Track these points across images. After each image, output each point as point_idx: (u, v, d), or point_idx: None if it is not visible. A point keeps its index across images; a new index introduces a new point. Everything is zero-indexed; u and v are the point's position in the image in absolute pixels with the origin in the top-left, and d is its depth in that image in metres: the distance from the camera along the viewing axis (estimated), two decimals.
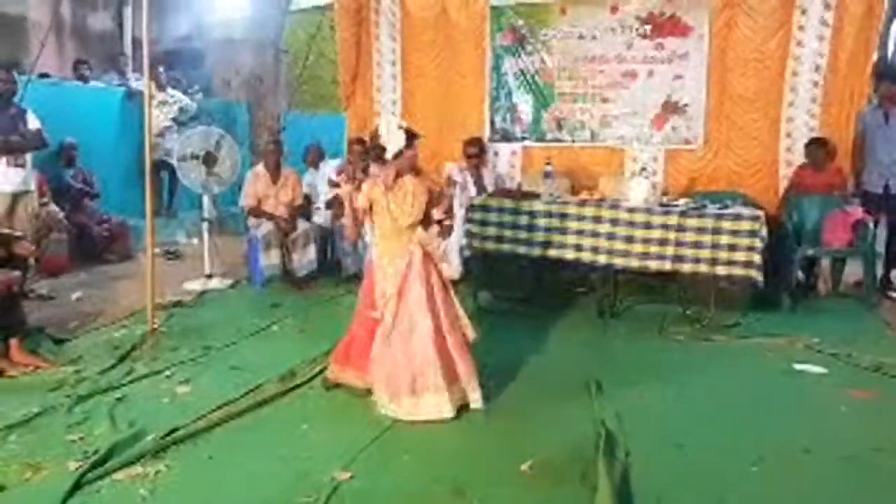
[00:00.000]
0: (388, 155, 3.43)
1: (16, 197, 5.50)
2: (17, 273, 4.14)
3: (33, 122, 5.54)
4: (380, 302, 3.50)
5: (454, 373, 3.43)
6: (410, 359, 3.38)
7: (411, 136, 3.44)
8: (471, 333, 3.58)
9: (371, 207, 3.53)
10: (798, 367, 4.18)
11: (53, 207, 6.55)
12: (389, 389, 3.40)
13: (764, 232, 4.81)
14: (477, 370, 3.53)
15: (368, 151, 5.85)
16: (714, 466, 2.95)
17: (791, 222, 5.65)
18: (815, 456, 3.05)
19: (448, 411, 3.35)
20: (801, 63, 5.81)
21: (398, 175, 3.46)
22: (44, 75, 8.12)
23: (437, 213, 3.56)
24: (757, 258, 4.82)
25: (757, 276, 4.82)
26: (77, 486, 2.71)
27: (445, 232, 3.70)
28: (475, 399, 3.47)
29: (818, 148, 5.63)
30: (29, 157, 5.61)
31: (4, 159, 5.39)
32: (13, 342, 4.06)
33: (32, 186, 5.71)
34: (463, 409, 3.46)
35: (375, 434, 3.21)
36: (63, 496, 2.63)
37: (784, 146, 5.97)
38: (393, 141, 3.41)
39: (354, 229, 3.80)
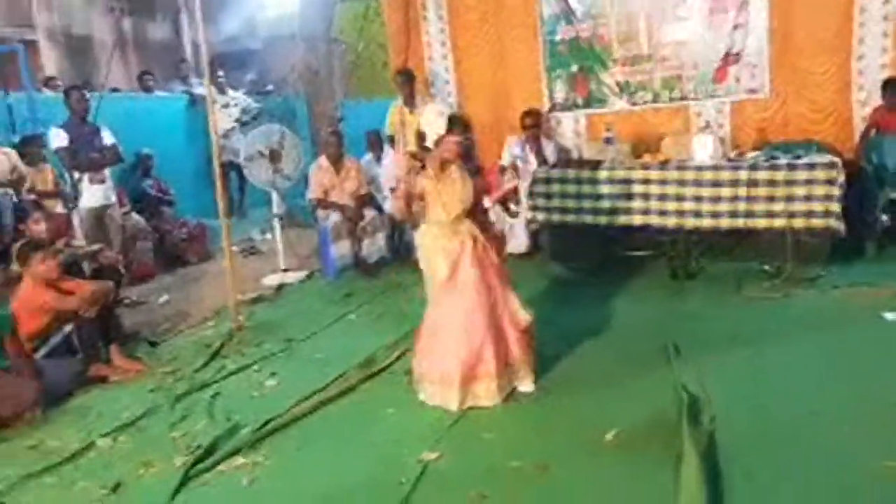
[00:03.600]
0: (429, 142, 3.45)
1: (101, 211, 5.83)
2: (110, 283, 4.39)
3: (108, 138, 5.83)
4: (433, 287, 3.53)
5: (506, 359, 3.41)
6: (460, 348, 3.35)
7: (452, 124, 3.44)
8: (525, 316, 3.52)
9: (423, 196, 3.57)
10: (889, 315, 4.03)
11: (136, 217, 6.88)
12: (441, 378, 3.38)
13: (842, 179, 4.64)
14: (532, 355, 3.51)
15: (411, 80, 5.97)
16: (803, 428, 2.89)
17: (871, 166, 5.40)
18: None
19: (497, 398, 3.34)
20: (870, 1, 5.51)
21: (445, 162, 3.47)
22: (114, 90, 8.48)
23: (487, 201, 3.55)
24: (836, 207, 4.65)
25: (837, 225, 4.65)
26: (185, 479, 2.90)
27: (513, 213, 3.72)
28: (526, 384, 3.47)
29: (893, 87, 5.34)
30: (108, 171, 5.91)
31: (87, 176, 5.69)
32: (114, 349, 4.33)
33: (114, 199, 6.03)
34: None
35: (458, 414, 3.29)
36: (174, 489, 2.82)
37: (857, 86, 5.69)
38: (433, 128, 3.43)
39: (403, 208, 3.81)
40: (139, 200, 7.21)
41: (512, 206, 4.41)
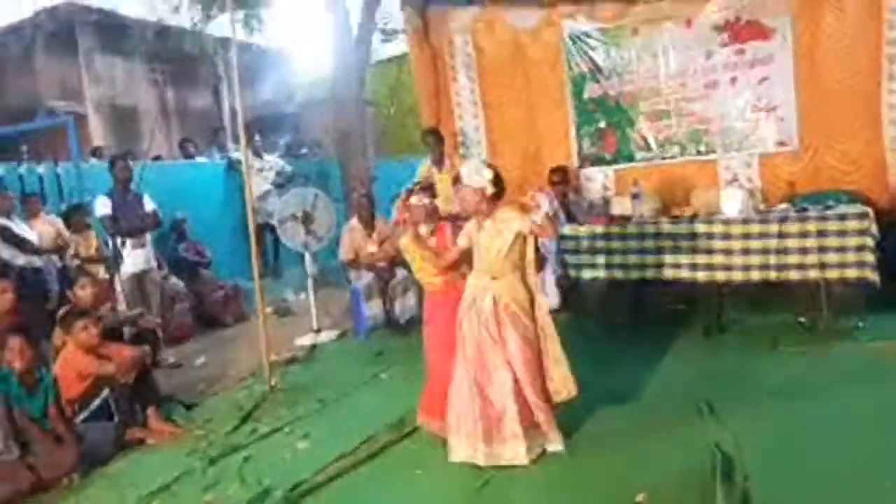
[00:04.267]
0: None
1: (142, 275, 6.02)
2: (147, 347, 4.51)
3: (149, 205, 6.07)
4: (461, 342, 3.51)
5: (532, 420, 3.39)
6: (486, 406, 3.35)
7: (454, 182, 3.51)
8: (572, 389, 3.50)
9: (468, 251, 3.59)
10: None
11: (173, 280, 7.07)
12: (466, 436, 3.37)
13: (874, 229, 4.58)
14: (555, 418, 3.46)
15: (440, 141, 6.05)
16: (841, 488, 2.82)
17: None
18: None
19: (524, 458, 3.31)
20: None
21: (484, 217, 3.48)
22: (156, 158, 8.83)
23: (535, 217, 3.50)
24: (870, 257, 4.58)
25: (872, 275, 4.58)
26: None
27: (541, 262, 3.72)
28: (555, 445, 3.43)
29: None
30: (148, 236, 6.12)
31: (129, 242, 5.90)
32: (150, 411, 4.42)
33: (154, 263, 6.22)
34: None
35: (487, 476, 3.27)
36: None
37: (889, 136, 5.63)
38: (477, 179, 3.47)
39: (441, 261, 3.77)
40: (176, 264, 7.41)
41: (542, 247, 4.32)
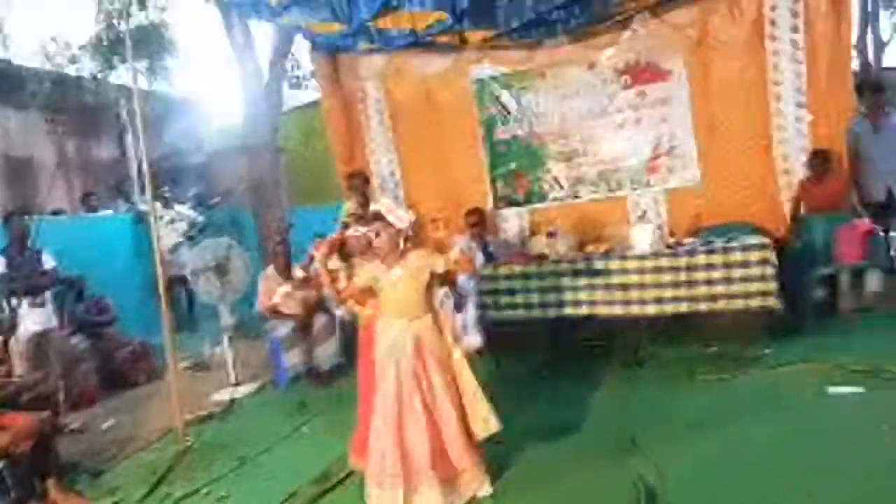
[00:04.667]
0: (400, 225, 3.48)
1: (41, 336, 5.66)
2: (45, 414, 4.20)
3: (48, 262, 5.75)
4: (380, 391, 3.43)
5: (450, 468, 3.32)
6: (407, 457, 3.27)
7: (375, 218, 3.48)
8: (494, 425, 3.45)
9: (370, 289, 3.54)
10: (832, 390, 4.11)
11: (76, 339, 6.68)
12: (387, 487, 3.29)
13: (774, 258, 4.82)
14: (482, 460, 3.43)
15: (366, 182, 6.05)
16: None
17: (801, 243, 5.64)
18: (870, 484, 2.97)
19: None
20: (782, 87, 5.88)
21: (391, 255, 3.45)
22: (56, 212, 8.41)
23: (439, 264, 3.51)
24: (772, 286, 4.81)
25: (775, 304, 4.81)
26: None
27: (460, 304, 3.72)
28: (483, 489, 3.39)
29: (820, 159, 5.63)
30: (48, 295, 5.78)
31: (26, 301, 5.56)
32: (50, 483, 4.09)
33: (54, 323, 5.87)
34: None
35: None
36: None
37: (781, 169, 5.99)
38: (400, 214, 3.45)
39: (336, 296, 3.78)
40: (78, 324, 7.01)
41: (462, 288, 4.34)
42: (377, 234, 3.44)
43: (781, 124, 5.92)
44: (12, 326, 5.48)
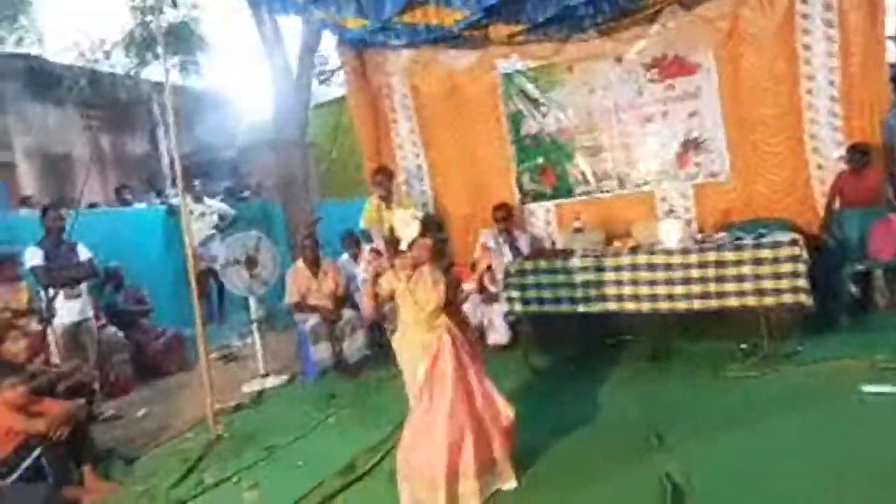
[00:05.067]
0: (403, 245, 3.52)
1: (77, 326, 5.80)
2: (81, 402, 4.31)
3: (84, 254, 5.87)
4: (413, 388, 3.51)
5: (489, 459, 3.38)
6: (442, 448, 3.29)
7: (426, 226, 3.51)
8: (509, 414, 3.50)
9: (393, 297, 3.59)
10: (867, 388, 4.05)
11: (111, 330, 6.83)
12: (425, 481, 3.31)
13: (805, 255, 4.75)
14: (513, 452, 3.48)
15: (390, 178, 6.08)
16: None
17: (834, 239, 5.55)
18: None
19: (477, 500, 3.28)
20: (814, 80, 5.78)
21: (417, 264, 3.52)
22: (92, 205, 8.58)
23: (466, 284, 3.59)
24: (803, 282, 4.73)
25: (806, 300, 4.72)
26: None
27: (490, 299, 3.76)
28: (509, 482, 3.42)
29: (859, 152, 5.51)
30: (83, 286, 5.92)
31: (62, 293, 5.69)
32: (86, 469, 4.21)
33: (90, 314, 6.01)
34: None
35: None
36: None
37: (814, 164, 5.89)
38: (407, 232, 3.50)
39: (371, 308, 3.84)
40: (114, 314, 7.17)
41: (490, 287, 4.39)
42: (433, 245, 3.52)
43: (814, 118, 5.82)
44: (49, 317, 5.61)
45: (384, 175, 6.25)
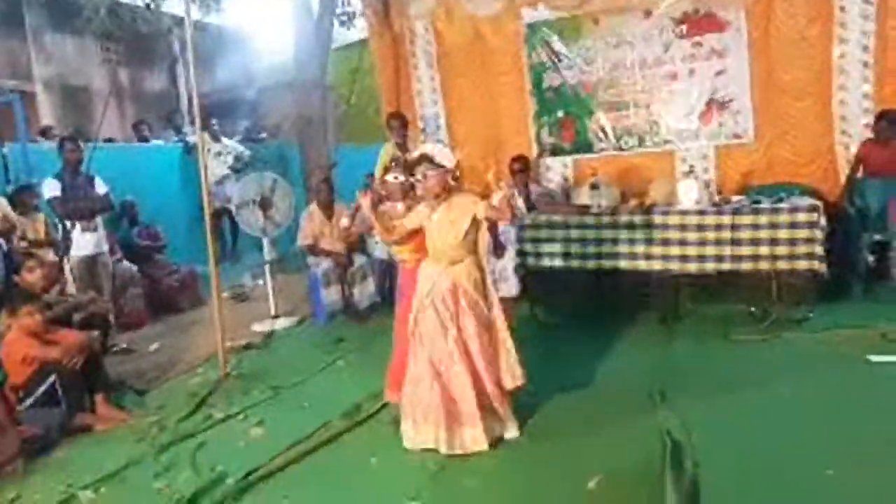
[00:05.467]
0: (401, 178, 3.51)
1: (93, 259, 5.87)
2: (95, 333, 4.39)
3: (100, 187, 5.90)
4: (412, 320, 3.51)
5: (488, 404, 3.42)
6: (445, 393, 3.35)
7: (419, 161, 3.44)
8: (519, 378, 3.51)
9: (418, 230, 3.58)
10: (874, 358, 4.04)
11: (126, 264, 6.91)
12: (425, 424, 3.37)
13: (823, 222, 4.70)
14: (515, 402, 3.51)
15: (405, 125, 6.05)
16: (787, 473, 2.89)
17: (854, 208, 5.47)
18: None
19: (483, 443, 3.34)
20: (847, 44, 5.63)
21: (436, 197, 3.46)
22: (109, 140, 8.58)
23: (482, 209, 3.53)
24: (819, 249, 4.70)
25: (820, 267, 4.70)
26: None
27: (500, 250, 3.74)
28: (511, 431, 3.47)
29: (888, 121, 5.35)
30: (99, 219, 5.96)
31: (79, 225, 5.74)
32: (99, 398, 4.31)
33: (105, 247, 6.07)
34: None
35: (442, 462, 3.28)
36: None
37: (839, 130, 5.78)
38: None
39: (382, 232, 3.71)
40: (129, 248, 7.24)
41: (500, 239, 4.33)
42: (424, 177, 3.44)
43: (844, 84, 5.69)
44: (66, 248, 5.67)
45: (399, 121, 6.20)
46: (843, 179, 5.72)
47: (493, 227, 3.73)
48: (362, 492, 3.12)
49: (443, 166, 3.42)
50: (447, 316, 3.41)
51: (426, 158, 3.44)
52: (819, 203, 4.82)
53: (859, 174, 5.58)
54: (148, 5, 11.20)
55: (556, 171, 6.85)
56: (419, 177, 3.46)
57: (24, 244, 5.77)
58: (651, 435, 3.29)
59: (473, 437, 3.34)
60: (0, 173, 6.67)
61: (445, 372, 3.38)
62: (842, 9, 5.54)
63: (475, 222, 3.47)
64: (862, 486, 2.73)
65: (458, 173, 3.50)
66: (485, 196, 3.52)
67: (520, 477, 3.14)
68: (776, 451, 3.07)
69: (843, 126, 5.76)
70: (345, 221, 4.50)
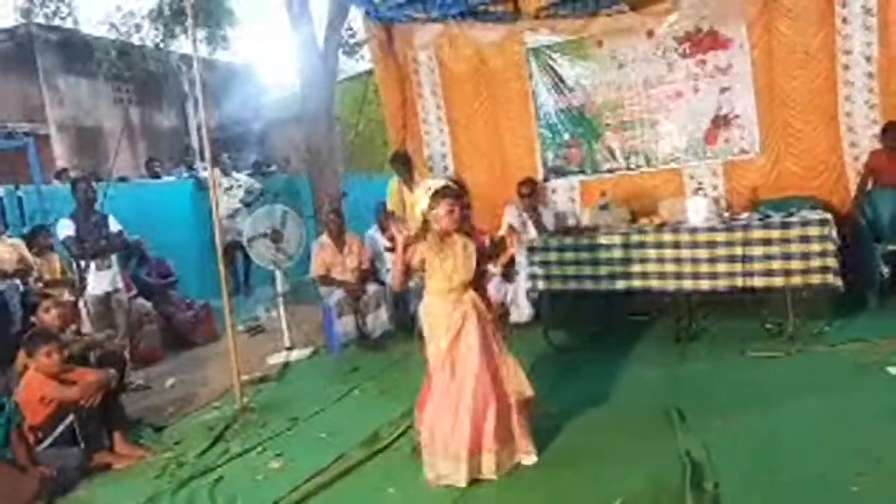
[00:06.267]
0: (418, 213, 3.51)
1: (108, 297, 5.93)
2: (112, 371, 4.42)
3: (114, 226, 5.98)
4: (433, 358, 3.51)
5: (510, 434, 3.41)
6: (464, 421, 3.32)
7: (437, 195, 3.44)
8: (528, 391, 3.50)
9: (424, 266, 3.58)
10: (894, 370, 3.99)
11: (141, 301, 6.97)
12: (447, 452, 3.34)
13: (834, 234, 4.66)
14: (533, 427, 3.50)
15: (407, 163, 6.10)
16: (812, 490, 2.85)
17: (866, 219, 5.44)
18: None
19: (502, 469, 3.32)
20: (850, 56, 5.62)
21: (445, 234, 3.48)
22: (122, 179, 8.71)
23: (492, 267, 3.59)
24: (832, 262, 4.66)
25: (834, 280, 4.65)
26: None
27: (511, 277, 3.74)
28: (529, 456, 3.45)
29: (894, 132, 5.36)
30: (114, 257, 6.03)
31: (94, 263, 5.81)
32: (117, 436, 4.33)
33: (121, 285, 6.13)
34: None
35: (461, 490, 3.25)
36: None
37: (847, 142, 5.76)
38: (423, 204, 3.48)
39: (400, 278, 3.71)
40: (141, 286, 7.30)
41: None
42: (451, 211, 3.44)
43: (849, 95, 5.68)
44: (81, 287, 5.73)
45: (400, 161, 6.31)
46: (852, 191, 5.70)
47: (507, 260, 3.73)
48: None
49: (462, 198, 3.45)
50: (474, 344, 3.40)
51: (453, 193, 3.45)
52: (829, 216, 4.79)
53: (870, 185, 5.57)
54: (157, 45, 11.42)
55: (563, 192, 6.87)
56: (442, 210, 3.45)
57: (40, 285, 5.85)
58: (670, 456, 3.26)
59: (494, 465, 3.32)
60: (16, 215, 6.78)
61: (470, 401, 3.35)
62: (844, 20, 5.56)
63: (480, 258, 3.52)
64: (887, 502, 2.68)
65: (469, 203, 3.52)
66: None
67: (542, 502, 3.11)
68: (798, 468, 3.02)
69: (850, 137, 5.73)
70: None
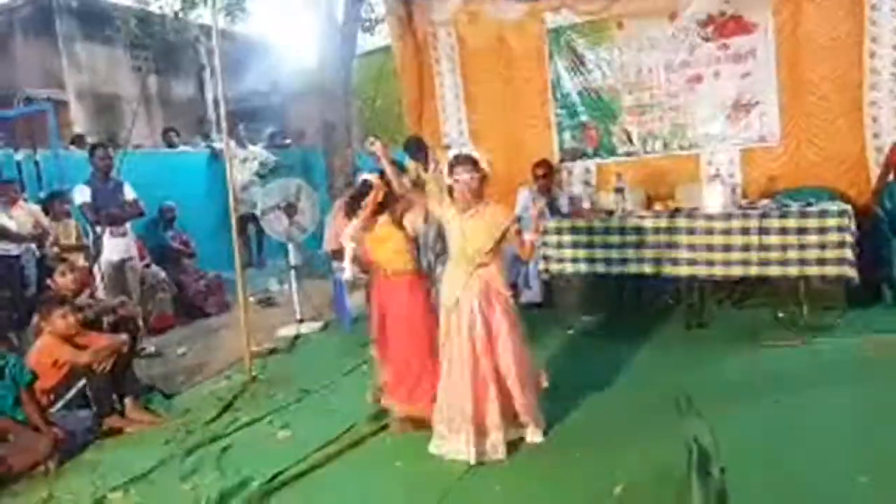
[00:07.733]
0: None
1: (122, 263, 5.97)
2: (125, 336, 4.46)
3: (130, 194, 6.00)
4: (443, 332, 3.50)
5: (514, 412, 3.41)
6: (476, 401, 3.34)
7: (458, 160, 3.39)
8: (535, 371, 3.52)
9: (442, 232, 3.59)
10: None
11: (154, 269, 7.02)
12: (457, 434, 3.36)
13: (853, 226, 4.62)
14: (540, 406, 3.50)
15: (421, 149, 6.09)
16: (818, 481, 2.84)
17: (884, 211, 5.37)
18: None
19: (502, 452, 3.33)
20: (878, 43, 5.51)
21: (466, 203, 3.40)
22: (138, 146, 8.73)
23: (528, 236, 3.54)
24: (849, 254, 4.62)
25: (851, 272, 4.62)
26: None
27: (529, 253, 3.69)
28: (535, 435, 3.47)
29: None
30: (128, 225, 6.06)
31: (109, 230, 5.84)
32: (128, 401, 4.39)
33: (134, 252, 6.17)
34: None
35: (466, 467, 3.27)
36: None
37: (871, 133, 5.66)
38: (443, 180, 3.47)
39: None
40: (161, 252, 7.35)
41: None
42: (471, 178, 3.36)
43: (875, 83, 5.58)
44: (97, 253, 5.78)
45: (416, 146, 6.27)
46: (873, 182, 5.62)
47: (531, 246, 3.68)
48: (387, 495, 3.13)
49: (482, 170, 3.40)
50: (479, 320, 3.38)
51: (470, 160, 3.41)
52: (848, 207, 4.74)
53: (890, 177, 5.49)
54: (176, 14, 11.38)
55: (578, 175, 6.82)
56: (459, 178, 3.40)
57: (56, 249, 5.90)
58: (677, 441, 3.25)
59: (500, 444, 3.33)
60: (33, 181, 6.82)
61: (476, 378, 3.36)
62: (873, 7, 5.44)
63: (504, 233, 3.45)
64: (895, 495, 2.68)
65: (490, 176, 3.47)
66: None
67: (546, 482, 3.13)
68: (806, 458, 3.02)
69: (874, 128, 5.64)
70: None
